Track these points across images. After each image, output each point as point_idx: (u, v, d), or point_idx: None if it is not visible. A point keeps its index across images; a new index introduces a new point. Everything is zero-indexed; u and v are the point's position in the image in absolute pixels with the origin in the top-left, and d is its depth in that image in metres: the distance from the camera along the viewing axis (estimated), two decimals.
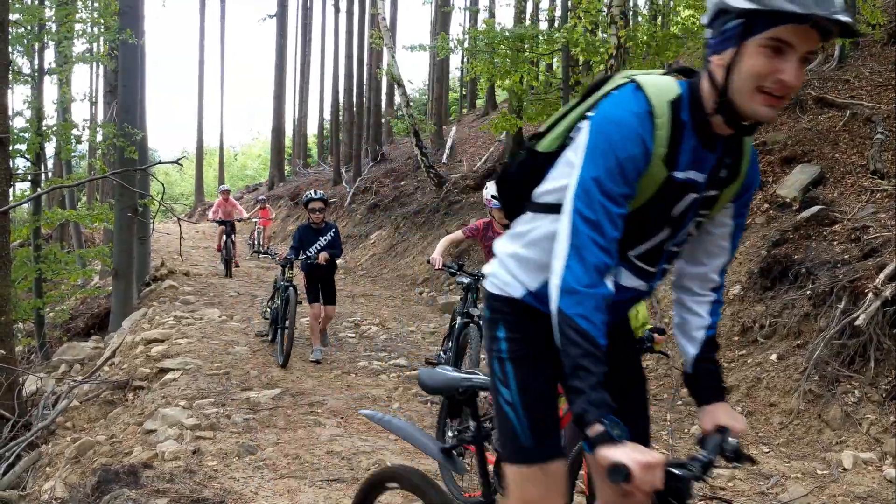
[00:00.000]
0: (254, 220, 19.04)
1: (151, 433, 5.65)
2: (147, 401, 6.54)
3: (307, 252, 7.84)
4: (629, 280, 1.96)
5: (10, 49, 8.41)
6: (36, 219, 12.91)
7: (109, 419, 6.61)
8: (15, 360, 7.69)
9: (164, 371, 7.28)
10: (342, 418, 6.12)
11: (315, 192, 8.04)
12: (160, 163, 8.51)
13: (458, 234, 6.25)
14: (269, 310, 8.83)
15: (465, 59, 17.51)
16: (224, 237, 14.99)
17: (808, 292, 6.98)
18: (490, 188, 5.80)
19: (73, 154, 16.71)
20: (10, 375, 7.04)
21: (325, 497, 4.49)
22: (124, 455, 5.37)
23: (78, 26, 13.14)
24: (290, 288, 7.87)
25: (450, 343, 6.44)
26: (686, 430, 6.37)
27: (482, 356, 5.67)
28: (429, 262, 5.91)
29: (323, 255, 7.73)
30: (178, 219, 8.29)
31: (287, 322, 7.65)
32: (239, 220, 15.71)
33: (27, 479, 5.93)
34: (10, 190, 9.17)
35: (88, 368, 9.01)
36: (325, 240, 7.92)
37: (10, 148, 9.14)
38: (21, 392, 7.37)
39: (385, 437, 5.71)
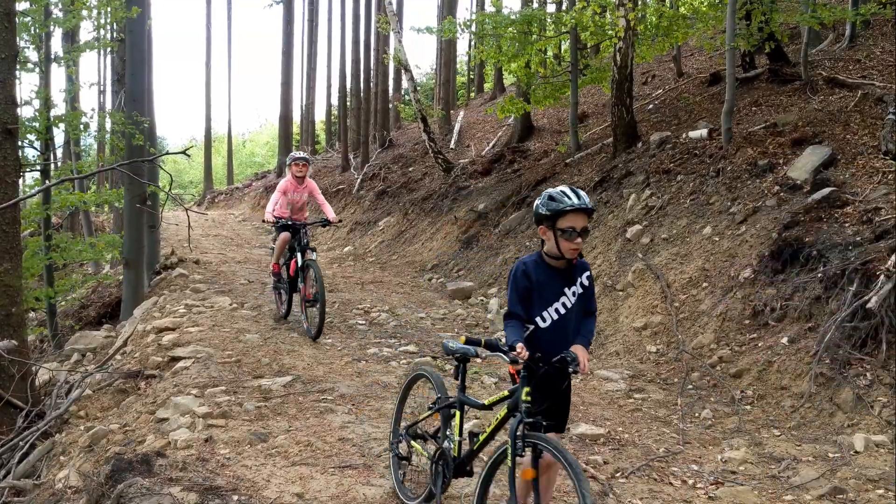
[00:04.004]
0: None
1: (164, 421, 5.68)
2: (159, 389, 6.57)
3: (539, 318, 3.59)
4: None
5: (16, 38, 8.40)
6: (46, 208, 12.96)
7: (122, 408, 6.64)
8: (27, 351, 7.73)
9: (176, 359, 7.30)
10: (353, 405, 6.14)
11: (575, 193, 3.50)
12: (168, 153, 8.41)
13: None
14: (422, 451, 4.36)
15: (473, 44, 17.44)
16: (291, 254, 8.85)
17: (820, 275, 6.95)
18: None
19: (81, 144, 16.82)
20: (23, 365, 7.08)
21: (336, 484, 4.51)
22: (137, 443, 5.41)
23: (84, 10, 13.10)
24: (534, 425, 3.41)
25: None
26: (697, 415, 6.36)
27: None
28: None
29: (583, 357, 3.47)
30: (186, 209, 8.18)
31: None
32: (325, 224, 9.12)
33: (41, 468, 5.98)
34: (20, 180, 9.20)
35: (101, 357, 9.06)
36: (574, 293, 3.64)
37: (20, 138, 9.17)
38: (34, 381, 7.41)
39: None
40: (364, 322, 9.48)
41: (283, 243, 8.97)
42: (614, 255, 9.93)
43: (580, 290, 3.67)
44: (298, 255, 8.61)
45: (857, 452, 5.32)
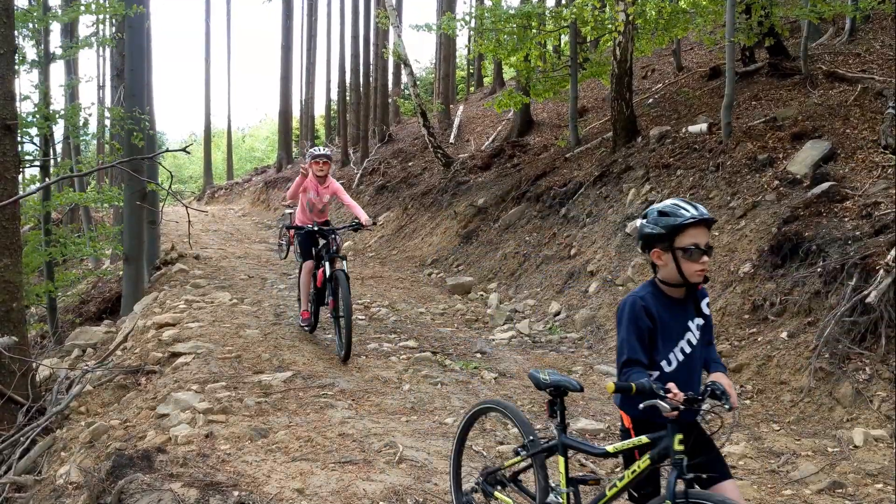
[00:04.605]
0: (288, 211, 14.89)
1: (164, 417, 5.70)
2: (159, 385, 6.59)
3: (664, 362, 3.02)
4: None
5: (15, 34, 8.40)
6: (46, 204, 12.96)
7: (123, 403, 6.66)
8: (28, 347, 7.74)
9: (176, 355, 7.31)
10: (353, 400, 6.15)
11: (690, 204, 3.01)
12: (167, 150, 8.41)
13: None
14: None
15: (472, 38, 17.43)
16: (318, 262, 7.89)
17: (819, 270, 6.95)
18: None
19: (81, 139, 16.81)
20: (23, 362, 7.09)
21: (337, 479, 4.52)
22: (138, 439, 5.42)
23: (83, 7, 13.08)
24: None
25: None
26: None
27: None
28: None
29: (732, 389, 2.97)
30: (186, 205, 8.16)
31: None
32: (356, 229, 8.04)
33: (42, 464, 5.99)
34: (20, 176, 9.20)
35: (101, 353, 9.07)
36: (698, 326, 3.08)
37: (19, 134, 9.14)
38: (35, 377, 7.42)
39: (396, 420, 5.75)
40: (364, 317, 9.49)
41: (308, 274, 7.93)
42: (614, 250, 9.93)
43: (702, 322, 3.08)
44: (326, 264, 7.64)
45: (856, 447, 5.33)
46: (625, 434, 3.06)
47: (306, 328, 8.22)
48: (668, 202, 3.00)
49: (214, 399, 5.90)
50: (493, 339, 8.78)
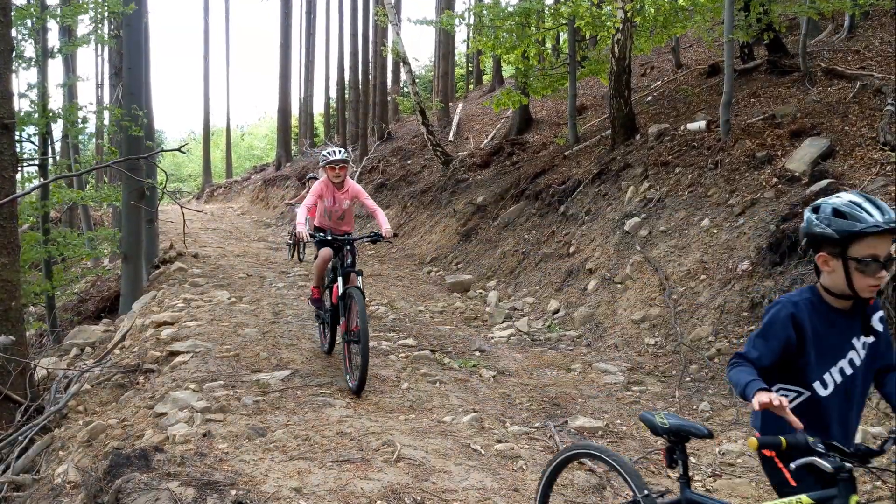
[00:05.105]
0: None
1: (162, 416, 5.68)
2: (157, 384, 6.58)
3: (819, 383, 2.59)
4: None
5: (13, 32, 8.38)
6: (44, 203, 12.95)
7: (121, 402, 6.65)
8: (26, 346, 7.73)
9: (174, 354, 7.30)
10: (351, 399, 6.15)
11: (875, 206, 2.43)
12: (163, 150, 8.40)
13: None
14: None
15: (471, 35, 17.44)
16: (333, 275, 7.11)
17: None
18: None
19: (79, 137, 16.80)
20: (22, 361, 7.08)
21: (334, 478, 4.51)
22: (136, 438, 5.41)
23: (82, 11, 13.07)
24: None
25: None
26: (695, 407, 6.37)
27: None
28: None
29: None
30: (182, 205, 8.15)
31: None
32: (375, 241, 6.89)
33: (40, 463, 5.98)
34: (17, 175, 9.18)
35: (99, 351, 9.06)
36: (864, 345, 2.61)
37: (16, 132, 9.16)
38: (33, 376, 7.41)
39: (395, 418, 5.74)
40: None
41: (324, 263, 7.16)
42: (612, 248, 9.93)
43: (871, 340, 2.59)
44: (340, 280, 6.81)
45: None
46: (768, 466, 2.58)
47: (325, 335, 7.61)
48: (847, 199, 2.47)
49: (212, 398, 5.89)
50: (492, 337, 8.78)
